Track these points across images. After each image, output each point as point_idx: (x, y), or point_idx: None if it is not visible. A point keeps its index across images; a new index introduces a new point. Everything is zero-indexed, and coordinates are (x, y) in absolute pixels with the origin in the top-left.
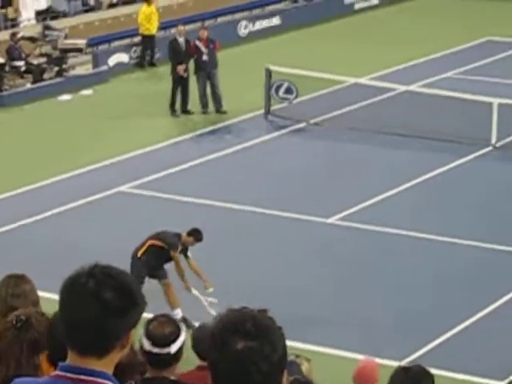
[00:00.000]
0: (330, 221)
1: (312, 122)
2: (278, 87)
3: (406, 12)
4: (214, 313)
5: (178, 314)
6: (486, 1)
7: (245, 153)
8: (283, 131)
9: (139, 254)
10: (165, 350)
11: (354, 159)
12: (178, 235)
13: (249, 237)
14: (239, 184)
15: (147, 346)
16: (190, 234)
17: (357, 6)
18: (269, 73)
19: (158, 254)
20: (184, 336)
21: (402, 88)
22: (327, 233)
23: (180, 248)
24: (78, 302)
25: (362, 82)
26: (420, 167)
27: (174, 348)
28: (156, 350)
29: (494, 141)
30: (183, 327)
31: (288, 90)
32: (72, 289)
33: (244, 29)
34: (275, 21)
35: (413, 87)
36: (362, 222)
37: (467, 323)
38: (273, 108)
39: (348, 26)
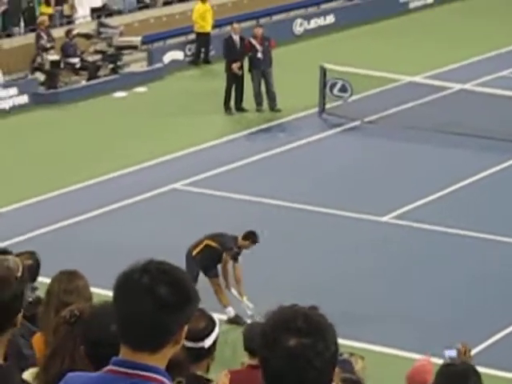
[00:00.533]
0: (384, 219)
1: (366, 120)
2: (333, 85)
3: (461, 11)
4: (250, 312)
5: (230, 311)
6: None
7: (299, 151)
8: (337, 129)
9: (194, 253)
10: (199, 345)
11: (409, 158)
12: (235, 238)
13: (303, 235)
14: (293, 182)
15: None
16: (245, 237)
17: (411, 5)
18: (323, 71)
19: (212, 255)
20: (217, 331)
21: (457, 87)
22: (382, 231)
23: (235, 251)
24: (133, 297)
25: (417, 81)
26: (474, 166)
27: (207, 342)
28: (190, 344)
29: None
30: (217, 322)
31: (342, 89)
32: (126, 284)
33: (299, 27)
34: (330, 19)
35: (468, 86)
36: (417, 221)
37: None
38: (327, 106)
39: (402, 24)
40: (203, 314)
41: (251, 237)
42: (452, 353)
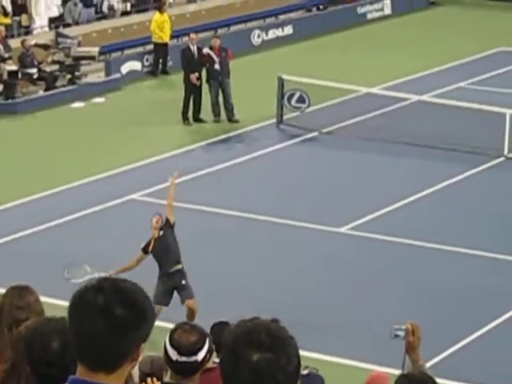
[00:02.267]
0: (342, 230)
1: (324, 131)
2: (291, 96)
3: (419, 22)
4: None
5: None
6: (498, 11)
7: (257, 162)
8: (295, 140)
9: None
10: (192, 359)
11: (366, 168)
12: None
13: (260, 246)
14: (251, 193)
15: (174, 355)
16: None
17: (369, 16)
18: (281, 82)
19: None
20: (209, 342)
21: (415, 98)
22: (339, 242)
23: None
24: (87, 318)
25: (375, 92)
26: (432, 177)
27: (200, 355)
28: (183, 358)
29: (506, 151)
30: (207, 333)
31: (300, 99)
32: (80, 304)
33: (257, 38)
34: (288, 30)
35: (425, 97)
36: (374, 232)
37: (477, 334)
38: (285, 117)
39: (361, 35)
40: (194, 328)
41: None
42: (401, 333)
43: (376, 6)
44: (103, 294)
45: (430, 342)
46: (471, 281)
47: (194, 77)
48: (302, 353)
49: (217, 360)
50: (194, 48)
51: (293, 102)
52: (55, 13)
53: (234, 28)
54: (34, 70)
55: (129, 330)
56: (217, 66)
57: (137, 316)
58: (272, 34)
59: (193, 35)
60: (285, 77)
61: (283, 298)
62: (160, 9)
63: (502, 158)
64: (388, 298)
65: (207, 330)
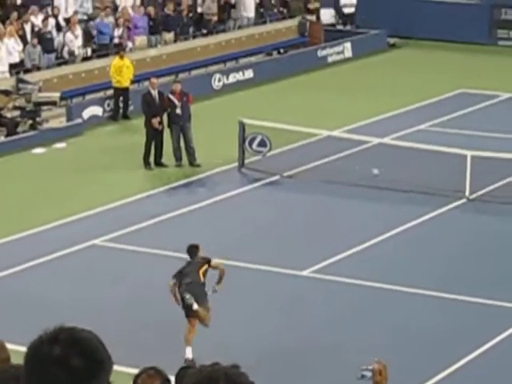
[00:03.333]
0: (304, 273)
1: (286, 174)
2: (252, 140)
3: (380, 65)
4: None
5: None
6: (459, 53)
7: (219, 206)
8: (257, 184)
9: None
10: None
11: (328, 212)
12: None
13: (221, 290)
14: (213, 237)
15: None
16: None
17: (330, 59)
18: (242, 126)
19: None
20: None
21: (376, 140)
22: (301, 285)
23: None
24: (44, 371)
25: (336, 135)
26: (394, 220)
27: None
28: None
29: (467, 193)
30: (171, 378)
31: (261, 143)
32: (36, 356)
33: (218, 82)
34: (248, 73)
35: (387, 139)
36: (337, 275)
37: (447, 372)
38: (247, 161)
39: (322, 78)
40: (158, 373)
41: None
42: (367, 373)
43: (336, 48)
44: (59, 345)
45: (396, 381)
46: (436, 322)
47: (155, 121)
48: None
49: None
50: (154, 92)
51: (254, 145)
52: (16, 58)
53: (194, 72)
54: None
55: (87, 380)
56: (178, 111)
57: (95, 365)
58: (232, 77)
59: (154, 80)
60: (246, 121)
61: (244, 342)
62: (119, 54)
63: (463, 200)
64: (351, 340)
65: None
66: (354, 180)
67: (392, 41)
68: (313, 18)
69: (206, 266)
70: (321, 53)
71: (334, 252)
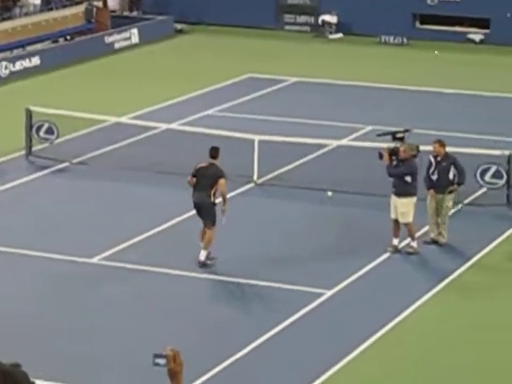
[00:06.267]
0: (94, 260)
1: (75, 161)
2: (39, 128)
3: (167, 50)
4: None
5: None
6: (247, 38)
7: (7, 194)
8: (46, 171)
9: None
10: None
11: (120, 198)
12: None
13: (7, 279)
14: (2, 225)
15: None
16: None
17: (117, 45)
18: (29, 113)
19: None
20: None
21: (164, 126)
22: (91, 272)
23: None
24: None
25: (124, 121)
26: (181, 205)
27: None
28: None
29: (255, 177)
30: None
31: (49, 131)
32: None
33: (4, 69)
34: (35, 61)
35: (174, 125)
36: (127, 261)
37: (237, 356)
38: (34, 149)
39: (109, 65)
40: None
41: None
42: (161, 361)
43: (124, 35)
44: None
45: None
46: (220, 307)
47: None
48: None
49: None
50: None
51: (41, 133)
52: None
53: None
54: None
55: None
56: None
57: None
58: (19, 65)
59: None
60: (32, 108)
61: (34, 332)
62: None
63: (251, 184)
64: (143, 326)
65: None
66: (143, 165)
67: (179, 26)
68: (99, 3)
69: None
70: (108, 39)
71: (125, 238)
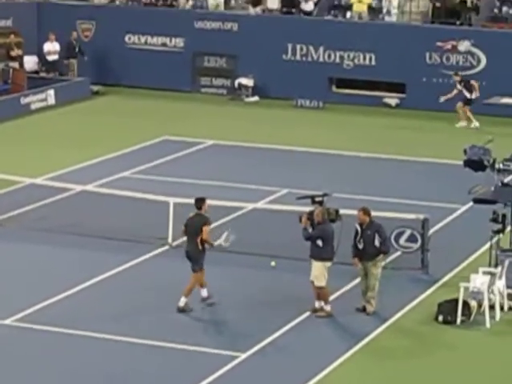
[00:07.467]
0: (7, 322)
1: None
2: None
3: (83, 112)
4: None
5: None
6: (164, 100)
7: None
8: None
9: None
10: None
11: (32, 259)
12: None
13: None
14: None
15: None
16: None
17: (33, 106)
18: None
19: None
20: None
21: (79, 188)
22: (4, 334)
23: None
24: None
25: (38, 183)
26: (96, 267)
27: None
28: None
29: (170, 239)
30: None
31: None
32: None
33: None
34: None
35: (89, 187)
36: (39, 323)
37: None
38: None
39: (25, 126)
40: None
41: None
42: None
43: (40, 96)
44: None
45: None
46: (143, 369)
47: None
48: None
49: None
50: None
51: None
52: None
53: None
54: None
55: None
56: None
57: None
58: None
59: None
60: None
61: None
62: None
63: (166, 247)
64: None
65: None
66: (56, 227)
67: (96, 88)
68: (15, 64)
69: None
70: (24, 100)
71: (37, 300)
